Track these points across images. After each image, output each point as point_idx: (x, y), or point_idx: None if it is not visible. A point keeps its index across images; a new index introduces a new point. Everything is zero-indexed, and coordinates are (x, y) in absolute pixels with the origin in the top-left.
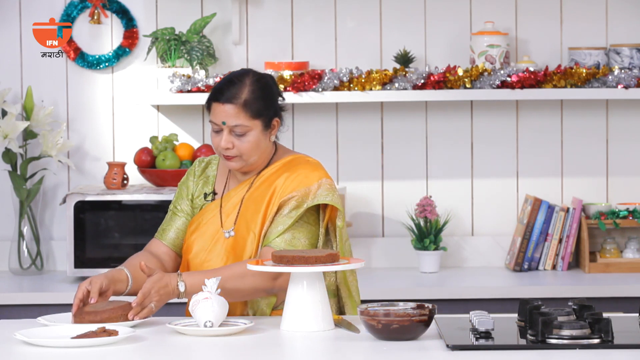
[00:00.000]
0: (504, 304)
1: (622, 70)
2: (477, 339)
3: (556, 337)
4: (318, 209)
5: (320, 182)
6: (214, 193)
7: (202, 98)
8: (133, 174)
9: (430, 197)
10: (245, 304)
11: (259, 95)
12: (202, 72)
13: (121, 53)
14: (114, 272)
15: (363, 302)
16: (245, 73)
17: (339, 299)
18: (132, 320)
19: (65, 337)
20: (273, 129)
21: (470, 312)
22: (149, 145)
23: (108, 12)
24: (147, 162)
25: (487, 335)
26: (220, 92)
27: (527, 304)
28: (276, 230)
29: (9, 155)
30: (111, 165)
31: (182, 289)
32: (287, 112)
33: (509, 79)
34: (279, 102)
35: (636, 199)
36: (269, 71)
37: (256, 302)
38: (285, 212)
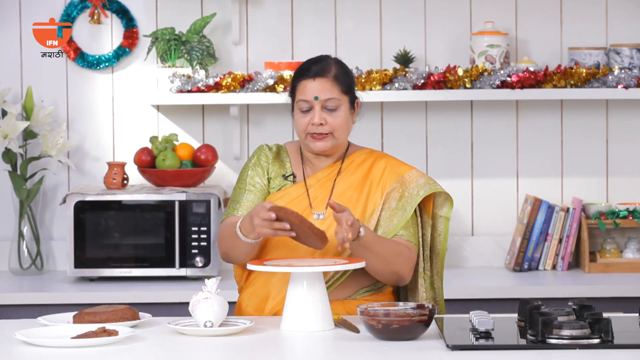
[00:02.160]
0: (504, 304)
1: (622, 70)
2: (477, 339)
3: (556, 337)
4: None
5: (412, 172)
6: (294, 175)
7: (202, 98)
8: (133, 174)
9: None
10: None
11: (345, 72)
12: (202, 72)
13: (121, 53)
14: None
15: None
16: (325, 55)
17: (434, 289)
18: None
19: (65, 337)
20: (355, 110)
21: (470, 312)
22: (149, 145)
23: (108, 12)
24: (147, 162)
25: (487, 335)
26: (308, 70)
27: (527, 304)
28: (392, 224)
29: (9, 155)
30: (111, 165)
31: (362, 232)
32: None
33: (509, 79)
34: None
35: (636, 199)
36: (269, 71)
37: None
38: (394, 205)
